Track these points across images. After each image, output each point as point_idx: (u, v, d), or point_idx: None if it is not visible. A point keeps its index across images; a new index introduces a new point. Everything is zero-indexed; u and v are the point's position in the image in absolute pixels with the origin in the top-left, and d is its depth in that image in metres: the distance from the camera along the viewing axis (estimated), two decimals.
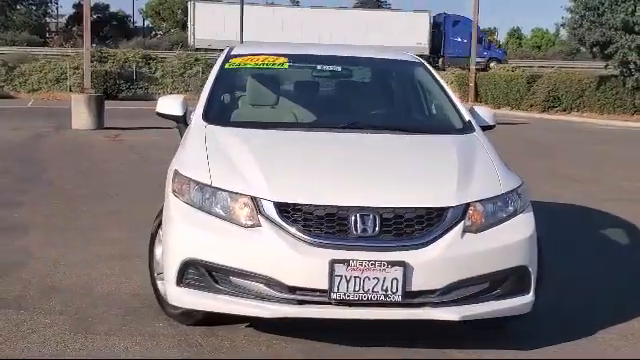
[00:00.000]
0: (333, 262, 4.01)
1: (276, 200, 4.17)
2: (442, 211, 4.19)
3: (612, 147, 17.77)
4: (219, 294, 4.22)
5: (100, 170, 11.72)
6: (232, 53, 5.89)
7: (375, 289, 4.02)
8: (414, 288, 4.05)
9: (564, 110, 30.94)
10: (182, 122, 5.61)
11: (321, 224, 4.12)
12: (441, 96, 5.69)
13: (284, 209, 4.16)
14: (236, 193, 4.26)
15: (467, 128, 5.25)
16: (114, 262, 6.22)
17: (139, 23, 74.83)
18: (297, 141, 4.92)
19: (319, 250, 4.05)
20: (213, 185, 4.33)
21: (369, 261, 4.01)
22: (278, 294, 4.11)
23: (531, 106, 31.86)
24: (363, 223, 4.10)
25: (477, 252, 4.18)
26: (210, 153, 4.63)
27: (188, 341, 4.54)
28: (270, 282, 4.10)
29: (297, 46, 6.71)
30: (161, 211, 5.01)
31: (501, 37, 76.20)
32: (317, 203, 4.15)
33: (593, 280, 6.12)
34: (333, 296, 4.03)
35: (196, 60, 38.85)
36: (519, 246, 4.32)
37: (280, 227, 4.13)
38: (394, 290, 4.03)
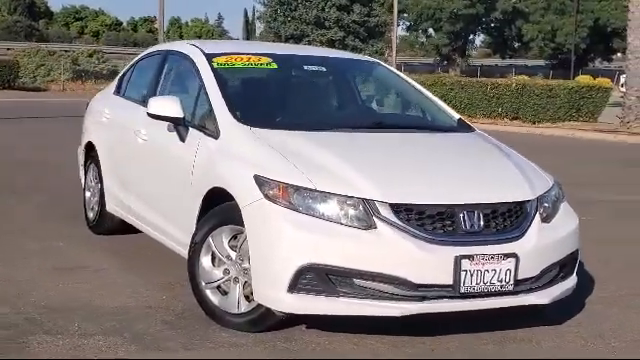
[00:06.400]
0: (460, 258, 4.25)
1: (391, 202, 4.30)
2: (524, 204, 4.61)
3: None
4: (341, 297, 4.25)
5: None
6: (209, 52, 5.71)
7: (492, 280, 4.34)
8: (520, 277, 4.43)
9: None
10: (181, 124, 5.37)
11: (433, 222, 4.34)
12: (417, 93, 6.06)
13: (398, 210, 4.30)
14: (346, 196, 4.31)
15: (466, 126, 5.69)
16: (69, 275, 5.75)
17: None
18: (359, 142, 5.02)
19: (441, 247, 4.27)
20: (319, 189, 4.33)
21: (489, 255, 4.32)
22: (402, 292, 4.25)
23: None
24: (470, 219, 4.39)
25: (554, 240, 4.66)
26: (287, 156, 4.57)
27: (275, 347, 4.49)
28: (395, 281, 4.22)
29: (270, 46, 6.63)
30: (209, 218, 4.83)
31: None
32: (430, 203, 4.36)
33: None
34: (462, 290, 4.27)
35: None
36: (574, 232, 4.89)
37: (398, 227, 4.26)
38: (507, 280, 4.38)
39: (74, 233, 7.05)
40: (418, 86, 6.14)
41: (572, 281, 4.90)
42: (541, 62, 66.55)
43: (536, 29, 58.98)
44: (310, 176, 4.39)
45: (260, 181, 4.45)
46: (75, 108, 14.63)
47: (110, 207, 6.67)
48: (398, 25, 66.84)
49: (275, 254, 4.32)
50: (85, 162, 7.32)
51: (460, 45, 58.52)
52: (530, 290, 4.52)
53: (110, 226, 6.85)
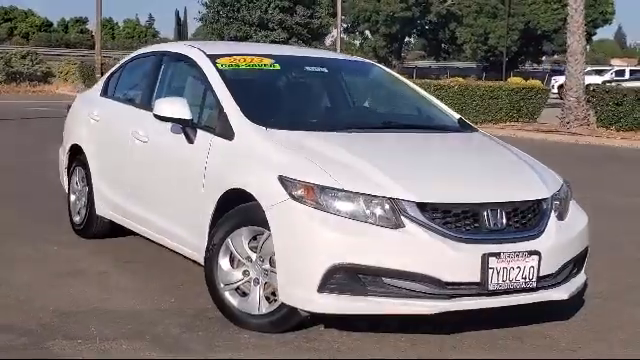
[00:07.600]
0: (487, 255, 4.32)
1: (419, 201, 4.34)
2: (541, 203, 4.70)
3: None
4: (370, 296, 4.27)
5: None
6: (211, 53, 5.68)
7: (517, 277, 4.42)
8: (541, 273, 4.52)
9: None
10: (189, 126, 5.31)
11: (457, 221, 4.40)
12: (415, 94, 6.12)
13: (424, 209, 4.35)
14: (373, 195, 4.34)
15: (468, 126, 5.78)
16: (71, 280, 5.66)
17: None
18: (376, 142, 5.06)
19: (469, 245, 4.33)
20: (346, 189, 4.35)
21: (515, 252, 4.39)
22: (431, 290, 4.29)
23: None
24: (494, 218, 4.46)
25: (570, 237, 4.78)
26: (309, 156, 4.58)
27: (300, 347, 4.48)
28: (424, 279, 4.27)
29: (266, 47, 6.60)
30: (227, 219, 4.79)
31: (92, 27, 75.55)
32: (455, 201, 4.42)
33: None
34: (490, 287, 4.34)
35: None
36: (586, 229, 5.01)
37: (425, 226, 4.31)
38: (530, 277, 4.46)
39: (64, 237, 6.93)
40: (415, 86, 6.20)
41: (583, 277, 5.02)
42: (473, 64, 67.71)
43: (469, 32, 60.03)
44: (335, 176, 4.41)
45: (285, 182, 4.44)
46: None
47: (101, 210, 6.55)
48: (336, 27, 67.75)
49: (304, 254, 4.32)
50: (69, 165, 7.17)
51: (396, 47, 59.26)
52: (550, 286, 4.62)
53: (98, 230, 6.73)
